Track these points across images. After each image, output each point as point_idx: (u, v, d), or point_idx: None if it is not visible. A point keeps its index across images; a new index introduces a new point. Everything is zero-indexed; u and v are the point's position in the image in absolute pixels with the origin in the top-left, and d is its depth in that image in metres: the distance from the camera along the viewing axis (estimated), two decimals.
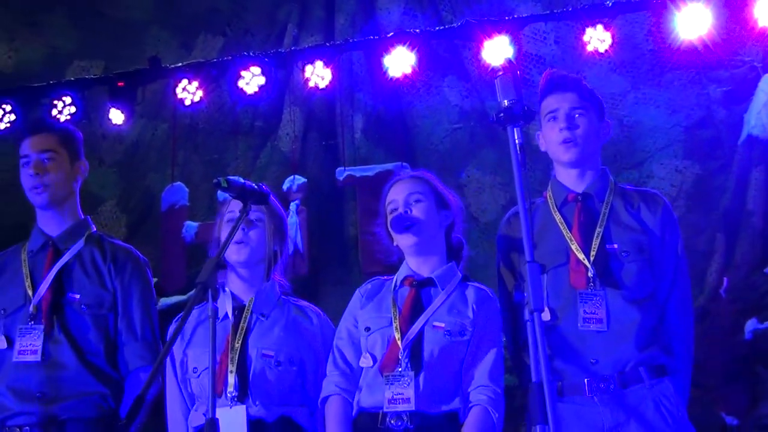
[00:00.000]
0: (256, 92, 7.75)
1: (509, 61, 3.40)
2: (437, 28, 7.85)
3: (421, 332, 3.91)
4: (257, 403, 3.95)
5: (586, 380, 3.89)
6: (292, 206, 7.80)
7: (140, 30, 9.07)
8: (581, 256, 3.98)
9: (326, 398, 3.99)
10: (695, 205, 7.46)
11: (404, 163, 7.79)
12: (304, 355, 4.11)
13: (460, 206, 4.31)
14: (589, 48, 7.06)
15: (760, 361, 6.85)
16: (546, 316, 3.93)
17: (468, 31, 7.38)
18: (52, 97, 8.07)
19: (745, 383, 6.80)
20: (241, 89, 7.77)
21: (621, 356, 3.89)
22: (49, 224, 4.49)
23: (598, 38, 7.02)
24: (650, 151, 7.64)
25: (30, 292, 4.30)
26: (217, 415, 3.85)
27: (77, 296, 4.33)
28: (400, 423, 3.78)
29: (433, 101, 8.33)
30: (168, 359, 4.13)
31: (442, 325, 3.93)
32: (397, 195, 4.15)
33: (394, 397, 3.80)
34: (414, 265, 4.13)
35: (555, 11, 7.57)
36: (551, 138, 4.14)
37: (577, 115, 4.09)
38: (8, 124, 7.90)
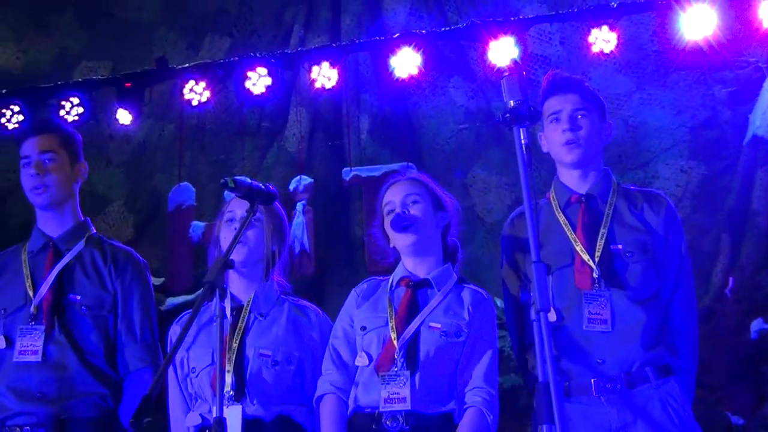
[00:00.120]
0: (262, 93, 7.77)
1: (515, 61, 3.43)
2: (443, 29, 7.86)
3: (417, 332, 3.92)
4: (255, 402, 3.97)
5: (593, 380, 3.89)
6: (299, 206, 7.82)
7: (148, 31, 9.09)
8: (586, 257, 3.99)
9: (321, 397, 4.00)
10: (700, 206, 7.47)
11: (410, 164, 7.81)
12: (302, 355, 4.11)
13: (457, 208, 4.30)
14: (595, 49, 7.06)
15: (766, 361, 6.86)
16: (552, 316, 3.90)
17: (474, 31, 7.39)
18: (59, 97, 8.09)
19: (750, 383, 6.80)
20: (248, 90, 7.79)
21: (627, 356, 3.89)
22: (50, 225, 4.49)
23: (603, 39, 7.03)
24: (655, 152, 7.64)
25: (31, 293, 4.30)
26: (212, 414, 3.89)
27: (78, 297, 4.33)
28: (395, 424, 3.79)
29: (439, 102, 8.34)
30: (163, 362, 4.14)
31: (438, 326, 3.94)
32: (394, 196, 4.16)
33: (390, 396, 3.81)
34: (410, 265, 4.14)
35: (560, 12, 7.58)
36: (554, 139, 4.15)
37: (579, 117, 4.10)
38: (16, 125, 7.92)
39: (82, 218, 4.58)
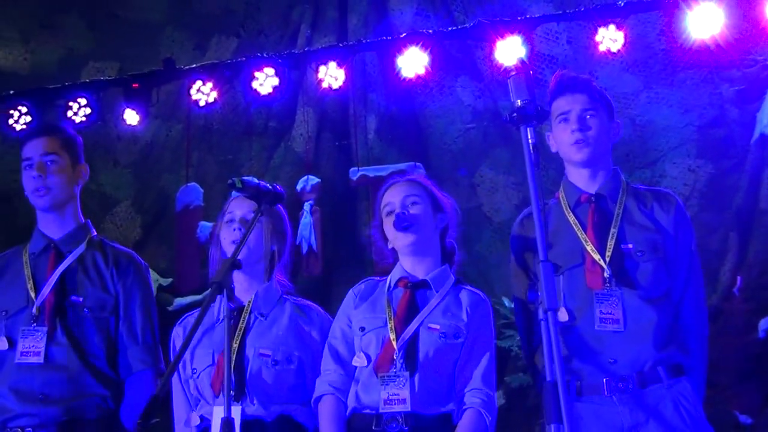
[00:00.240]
0: (269, 93, 7.78)
1: (522, 61, 3.42)
2: (450, 28, 7.87)
3: (416, 333, 3.92)
4: (255, 402, 3.97)
5: (604, 380, 3.88)
6: (306, 206, 7.82)
7: (155, 31, 9.10)
8: (597, 256, 3.98)
9: (319, 398, 4.00)
10: (708, 204, 7.46)
11: (418, 163, 7.81)
12: (302, 354, 4.11)
13: (456, 210, 4.31)
14: (602, 48, 7.06)
15: None
16: (563, 316, 3.93)
17: (480, 31, 7.39)
18: (67, 98, 8.11)
19: (758, 382, 6.79)
20: (255, 90, 7.80)
21: (639, 356, 3.88)
22: (51, 227, 4.49)
23: (610, 38, 7.02)
24: (663, 151, 7.64)
25: (32, 294, 4.30)
26: (213, 415, 3.90)
27: (80, 299, 4.33)
28: (395, 425, 3.79)
29: (446, 101, 8.34)
30: (172, 361, 4.15)
31: (437, 327, 3.94)
32: (393, 198, 4.16)
33: (390, 397, 3.81)
34: (408, 266, 4.14)
35: (567, 11, 7.58)
36: (563, 139, 4.14)
37: (588, 116, 4.09)
38: (24, 126, 7.95)
39: (83, 220, 4.58)
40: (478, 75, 8.22)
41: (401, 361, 3.86)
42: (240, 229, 4.15)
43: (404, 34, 7.58)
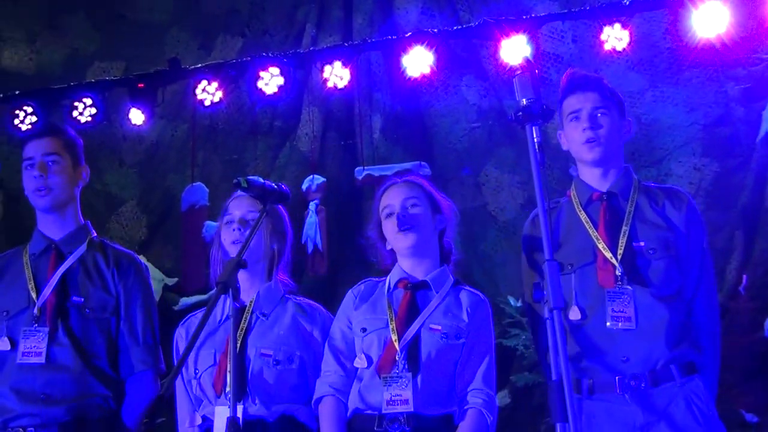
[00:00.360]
0: (275, 92, 7.79)
1: (527, 59, 3.42)
2: (455, 27, 7.86)
3: (417, 334, 3.92)
4: (257, 402, 3.96)
5: (617, 378, 3.86)
6: (312, 206, 7.83)
7: (160, 31, 9.12)
8: (608, 254, 3.96)
9: (320, 399, 4.00)
10: (714, 203, 7.45)
11: (423, 162, 7.82)
12: (304, 354, 4.10)
13: (454, 211, 4.30)
14: (607, 46, 7.06)
15: None
16: (576, 314, 3.94)
17: (486, 30, 7.39)
18: (72, 98, 8.13)
19: (764, 380, 6.78)
20: (260, 90, 7.81)
21: (651, 354, 3.87)
22: (51, 228, 4.48)
23: (615, 37, 7.02)
24: (668, 149, 7.63)
25: (33, 295, 4.29)
26: (215, 415, 3.90)
27: (81, 300, 4.32)
28: (397, 425, 3.79)
29: (452, 100, 8.34)
30: (175, 361, 4.16)
31: (439, 327, 3.93)
32: (392, 199, 4.16)
33: (393, 398, 3.81)
34: (408, 267, 4.13)
35: (572, 10, 7.58)
36: (574, 138, 4.13)
37: (599, 115, 4.08)
38: (29, 126, 7.96)
39: (83, 221, 4.57)
40: (484, 74, 8.22)
41: (403, 361, 3.86)
42: (239, 230, 4.15)
43: (409, 34, 7.59)
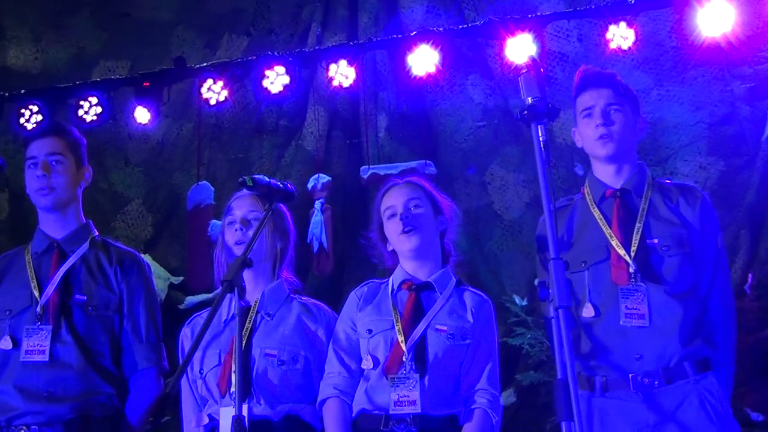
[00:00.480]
0: (280, 91, 7.80)
1: (533, 58, 3.41)
2: (460, 26, 7.88)
3: (423, 335, 3.92)
4: (261, 402, 3.96)
5: (630, 376, 3.85)
6: (317, 205, 7.82)
7: (165, 30, 9.12)
8: (622, 251, 3.95)
9: (324, 401, 3.99)
10: (719, 202, 7.42)
11: (428, 161, 7.81)
12: (309, 354, 4.10)
13: (454, 211, 4.29)
14: (612, 45, 7.06)
15: None
16: (589, 312, 3.94)
17: (491, 29, 7.40)
18: (78, 97, 8.15)
19: None
20: (266, 88, 7.82)
21: (665, 351, 3.86)
22: (53, 227, 4.48)
23: (621, 35, 7.03)
24: (674, 148, 7.63)
25: (36, 293, 4.28)
26: (220, 414, 3.90)
27: (84, 298, 4.32)
28: (403, 426, 3.79)
29: (457, 99, 8.34)
30: (181, 361, 4.16)
31: (445, 328, 3.93)
32: (395, 200, 4.15)
33: (400, 399, 3.81)
34: (410, 268, 4.13)
35: (578, 9, 7.59)
36: (587, 134, 4.12)
37: (612, 111, 4.06)
38: (35, 125, 7.97)
39: (84, 221, 4.58)
40: (489, 73, 8.23)
41: (410, 362, 3.86)
42: (242, 230, 4.15)
43: (415, 33, 7.59)
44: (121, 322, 4.41)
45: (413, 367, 3.85)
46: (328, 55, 7.88)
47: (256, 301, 4.14)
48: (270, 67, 7.79)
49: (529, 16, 7.39)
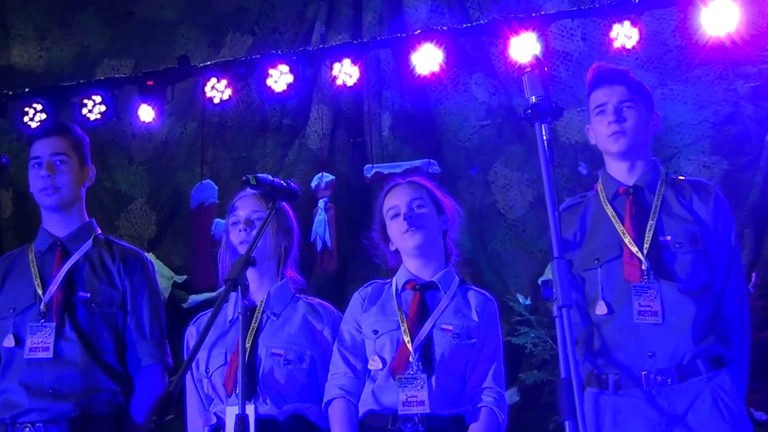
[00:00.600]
0: (284, 90, 7.82)
1: (537, 57, 3.41)
2: (464, 25, 7.88)
3: (429, 335, 3.92)
4: (268, 401, 3.97)
5: (643, 373, 3.86)
6: (321, 203, 7.82)
7: (170, 29, 9.12)
8: (634, 249, 3.94)
9: (330, 401, 4.00)
10: None
11: (432, 160, 7.81)
12: (314, 353, 4.10)
13: (458, 211, 4.30)
14: (616, 44, 7.07)
15: None
16: (602, 309, 3.94)
17: (495, 28, 7.40)
18: (82, 96, 8.17)
19: None
20: (270, 87, 7.83)
21: (678, 349, 3.85)
22: (56, 226, 4.49)
23: (625, 34, 7.03)
24: (678, 147, 7.62)
25: (40, 291, 4.30)
26: (226, 415, 3.90)
27: (88, 295, 4.33)
28: (411, 425, 3.80)
29: (461, 98, 8.33)
30: (186, 359, 4.16)
31: (450, 327, 3.94)
32: (398, 200, 4.16)
33: (409, 399, 3.81)
34: (414, 268, 4.13)
35: (582, 8, 7.59)
36: (600, 131, 4.12)
37: (625, 108, 4.06)
38: (39, 123, 7.99)
39: (87, 219, 4.59)
40: (493, 72, 8.22)
41: (417, 363, 3.86)
42: (246, 230, 4.15)
43: (419, 31, 7.60)
44: (125, 319, 4.42)
45: (420, 367, 3.86)
46: (332, 54, 7.89)
47: (261, 301, 4.15)
48: (274, 66, 7.80)
49: (533, 15, 7.40)
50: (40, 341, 4.22)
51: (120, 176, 8.95)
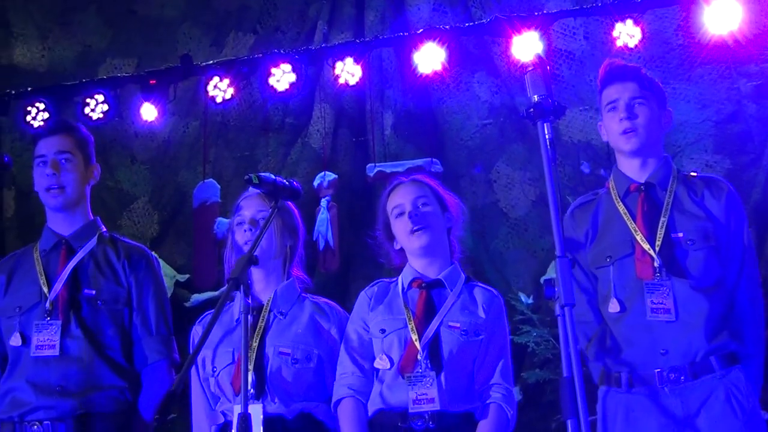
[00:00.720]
0: (286, 89, 7.83)
1: (539, 56, 3.41)
2: (467, 24, 7.88)
3: (437, 333, 3.94)
4: (276, 400, 3.98)
5: (656, 371, 3.86)
6: (323, 202, 7.82)
7: (172, 28, 9.11)
8: (646, 246, 3.94)
9: (339, 401, 4.01)
10: None
11: (434, 159, 7.81)
12: (322, 352, 4.12)
13: (462, 209, 4.30)
14: (619, 43, 7.06)
15: None
16: (615, 307, 3.95)
17: (497, 27, 7.40)
18: (84, 95, 8.17)
19: None
20: (272, 86, 7.84)
21: (691, 346, 3.85)
22: (61, 225, 4.50)
23: (627, 33, 7.03)
24: (680, 146, 7.60)
25: (45, 289, 4.32)
26: (233, 414, 3.90)
27: (93, 292, 4.35)
28: (421, 422, 3.81)
29: (463, 97, 8.32)
30: (189, 357, 4.17)
31: (458, 325, 3.95)
32: (402, 199, 4.16)
33: (419, 397, 3.82)
34: (419, 267, 4.14)
35: (584, 6, 7.58)
36: (612, 128, 4.12)
37: (636, 105, 4.05)
38: (42, 122, 7.99)
39: (92, 218, 4.60)
40: (495, 71, 8.21)
41: (426, 360, 3.87)
42: (251, 230, 4.16)
43: (421, 30, 7.60)
44: (131, 316, 4.44)
45: (429, 365, 3.87)
46: (334, 53, 7.89)
47: (268, 300, 4.16)
48: (276, 65, 7.80)
49: (536, 13, 7.40)
50: (46, 339, 4.23)
51: (122, 175, 8.95)
